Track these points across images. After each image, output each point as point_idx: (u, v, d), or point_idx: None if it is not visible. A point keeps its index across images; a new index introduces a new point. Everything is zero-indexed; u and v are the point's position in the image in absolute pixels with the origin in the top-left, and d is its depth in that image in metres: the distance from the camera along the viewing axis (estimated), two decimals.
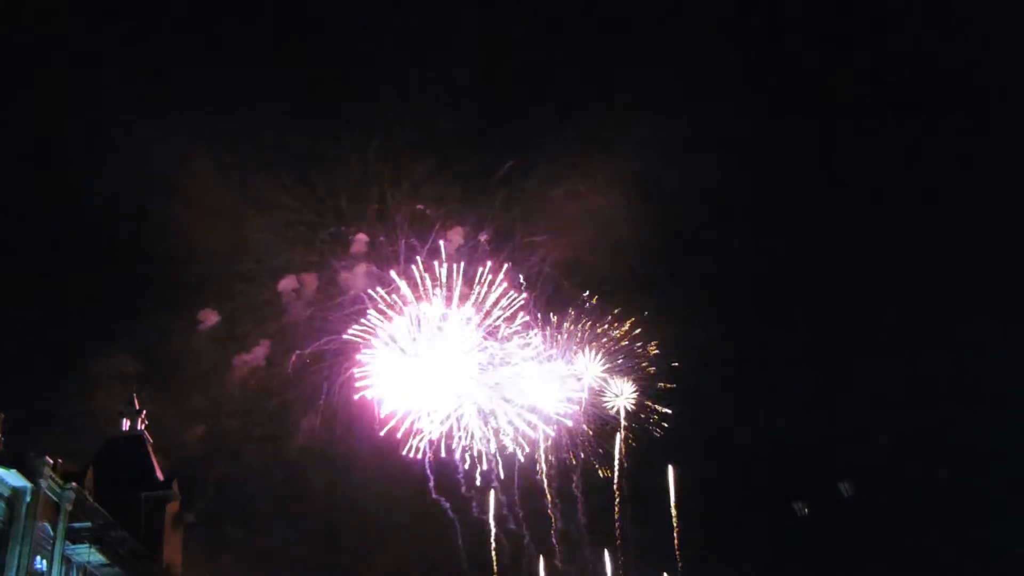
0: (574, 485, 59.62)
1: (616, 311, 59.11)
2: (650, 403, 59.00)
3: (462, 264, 56.70)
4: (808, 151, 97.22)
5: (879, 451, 79.94)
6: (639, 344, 59.06)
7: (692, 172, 79.94)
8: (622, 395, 58.56)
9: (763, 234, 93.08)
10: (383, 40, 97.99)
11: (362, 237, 64.43)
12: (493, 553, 59.74)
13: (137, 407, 65.26)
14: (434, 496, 58.06)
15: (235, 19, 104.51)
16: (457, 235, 60.29)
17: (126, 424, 64.65)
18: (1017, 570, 67.10)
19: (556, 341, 57.51)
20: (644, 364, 58.78)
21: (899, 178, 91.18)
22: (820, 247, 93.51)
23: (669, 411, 59.17)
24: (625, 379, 58.61)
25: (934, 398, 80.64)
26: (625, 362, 58.67)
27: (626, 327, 58.83)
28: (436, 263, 56.95)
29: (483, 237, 61.01)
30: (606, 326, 58.79)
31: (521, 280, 57.62)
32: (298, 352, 58.85)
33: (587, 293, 59.08)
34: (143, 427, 64.75)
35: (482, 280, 56.75)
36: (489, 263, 57.15)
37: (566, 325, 57.86)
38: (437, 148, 66.70)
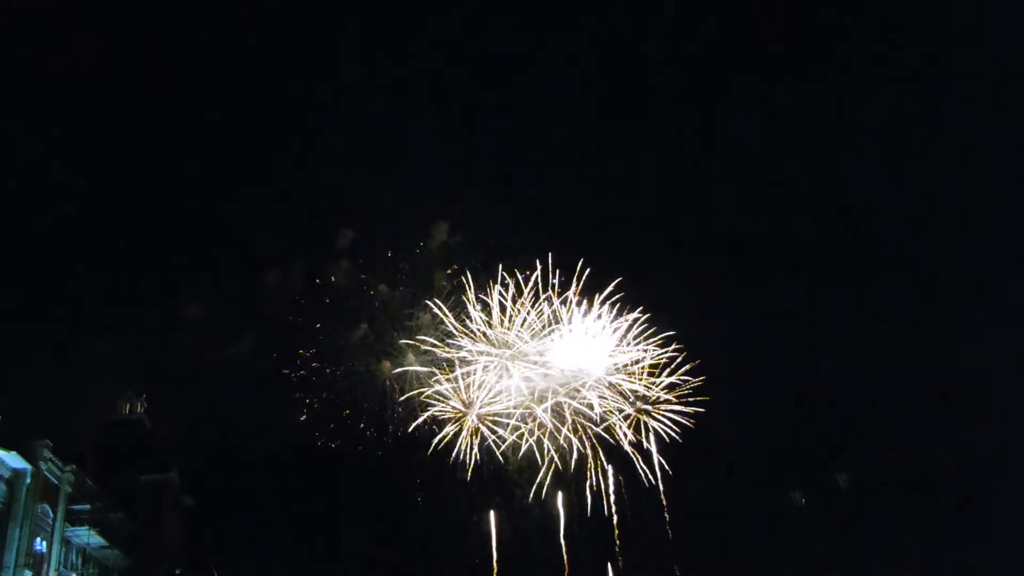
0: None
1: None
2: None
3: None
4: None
5: (877, 442, 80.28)
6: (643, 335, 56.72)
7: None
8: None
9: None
10: None
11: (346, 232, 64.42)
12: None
13: (136, 392, 65.53)
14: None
15: None
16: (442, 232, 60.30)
17: (126, 408, 64.91)
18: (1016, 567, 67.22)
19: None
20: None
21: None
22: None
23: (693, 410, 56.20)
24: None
25: (932, 389, 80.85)
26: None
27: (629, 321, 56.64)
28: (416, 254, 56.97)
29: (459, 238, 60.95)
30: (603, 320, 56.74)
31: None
32: (280, 351, 58.74)
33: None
34: (142, 411, 65.00)
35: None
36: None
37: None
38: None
